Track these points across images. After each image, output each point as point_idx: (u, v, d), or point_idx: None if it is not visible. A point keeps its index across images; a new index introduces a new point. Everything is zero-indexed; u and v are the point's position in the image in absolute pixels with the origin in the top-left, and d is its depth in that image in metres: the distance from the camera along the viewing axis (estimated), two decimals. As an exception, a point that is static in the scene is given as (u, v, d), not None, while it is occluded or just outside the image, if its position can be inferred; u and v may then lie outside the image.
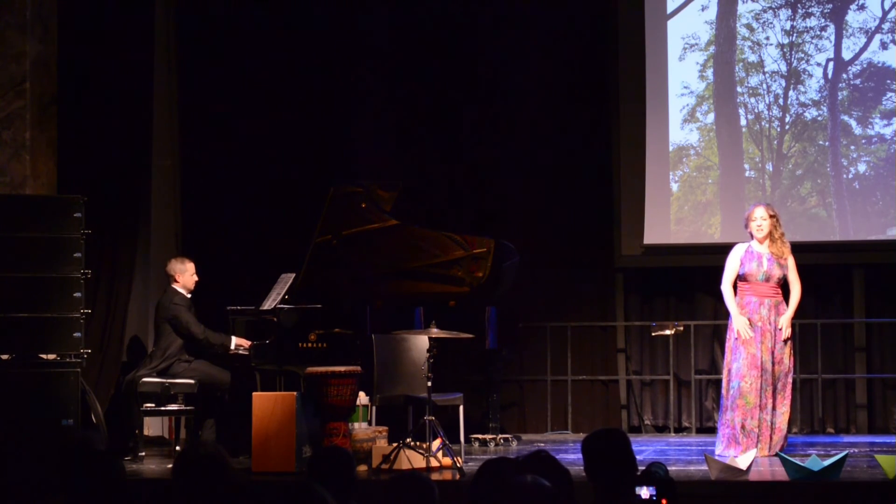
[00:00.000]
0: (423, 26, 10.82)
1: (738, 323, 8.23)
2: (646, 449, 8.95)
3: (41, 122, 9.20)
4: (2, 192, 8.89)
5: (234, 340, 8.78)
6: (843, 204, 10.34)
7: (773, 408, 8.20)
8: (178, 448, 9.00)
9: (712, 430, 9.58)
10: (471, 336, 8.13)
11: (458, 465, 7.57)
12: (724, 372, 8.37)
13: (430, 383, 7.73)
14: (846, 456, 6.98)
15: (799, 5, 10.42)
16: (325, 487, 3.72)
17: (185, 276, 9.01)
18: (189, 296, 9.00)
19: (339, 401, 7.77)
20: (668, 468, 4.81)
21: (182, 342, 8.87)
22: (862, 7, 10.33)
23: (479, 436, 9.39)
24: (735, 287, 8.37)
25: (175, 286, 8.98)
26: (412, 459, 7.62)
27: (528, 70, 10.69)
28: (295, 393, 7.87)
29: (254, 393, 8.06)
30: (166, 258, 9.33)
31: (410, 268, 9.04)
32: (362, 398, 8.36)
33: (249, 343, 8.69)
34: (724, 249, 8.59)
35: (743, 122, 10.54)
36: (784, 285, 8.39)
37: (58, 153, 9.31)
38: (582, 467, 4.52)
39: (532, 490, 3.70)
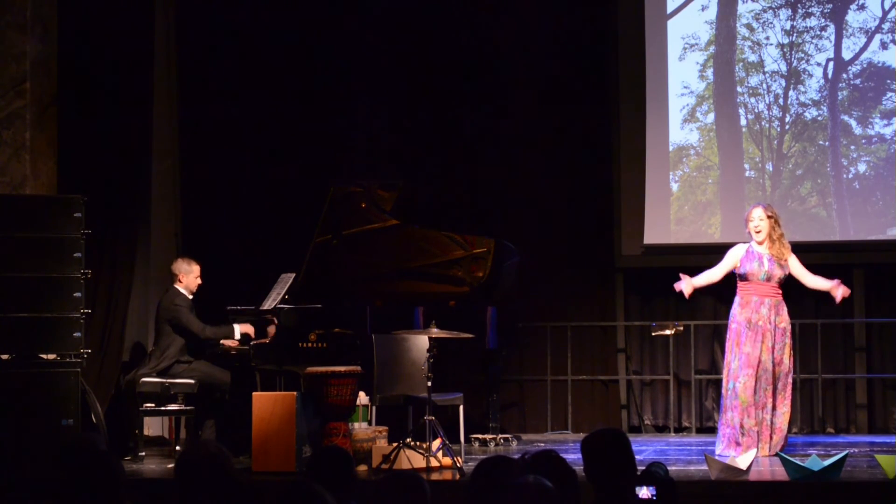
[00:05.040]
0: (423, 26, 10.82)
1: (686, 282, 8.37)
2: (646, 449, 8.95)
3: (41, 122, 9.20)
4: (2, 192, 8.89)
5: (238, 328, 8.79)
6: (843, 204, 10.34)
7: (774, 408, 8.20)
8: (178, 448, 9.00)
9: (712, 430, 9.58)
10: (471, 336, 8.13)
11: (458, 465, 7.57)
12: (724, 372, 8.38)
13: (430, 383, 7.73)
14: (846, 456, 6.98)
15: (799, 5, 10.42)
16: (325, 487, 3.72)
17: (189, 277, 9.01)
18: (191, 297, 9.00)
19: (339, 401, 7.78)
20: (668, 468, 4.80)
21: (182, 342, 8.87)
22: (862, 7, 10.34)
23: (479, 436, 9.39)
24: (736, 286, 8.39)
25: (178, 286, 8.98)
26: (412, 459, 7.62)
27: (528, 69, 10.69)
28: (295, 393, 7.88)
29: (254, 393, 8.06)
30: (166, 258, 9.33)
31: (410, 268, 9.04)
32: (362, 398, 8.37)
33: (253, 329, 8.72)
34: (724, 249, 8.59)
35: (743, 122, 10.54)
36: (784, 286, 8.39)
37: (58, 153, 9.31)
38: (582, 467, 4.52)
39: (533, 490, 3.70)
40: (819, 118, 10.41)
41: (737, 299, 8.37)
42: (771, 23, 10.47)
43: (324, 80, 10.78)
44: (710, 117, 10.65)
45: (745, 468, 6.93)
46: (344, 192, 8.82)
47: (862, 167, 10.47)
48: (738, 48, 10.53)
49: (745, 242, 8.47)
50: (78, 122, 9.41)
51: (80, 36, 9.45)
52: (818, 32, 10.40)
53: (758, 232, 8.32)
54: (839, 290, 8.41)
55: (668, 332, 10.12)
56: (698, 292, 10.42)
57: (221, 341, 8.81)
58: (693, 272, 10.39)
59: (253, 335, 8.76)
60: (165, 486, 7.09)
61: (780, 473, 7.13)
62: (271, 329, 8.72)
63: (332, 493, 3.70)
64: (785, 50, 10.44)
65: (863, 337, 10.29)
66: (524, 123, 10.68)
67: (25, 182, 9.06)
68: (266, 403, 7.85)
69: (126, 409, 8.87)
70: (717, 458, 7.41)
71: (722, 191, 10.60)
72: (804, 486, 6.80)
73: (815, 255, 9.78)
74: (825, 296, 10.25)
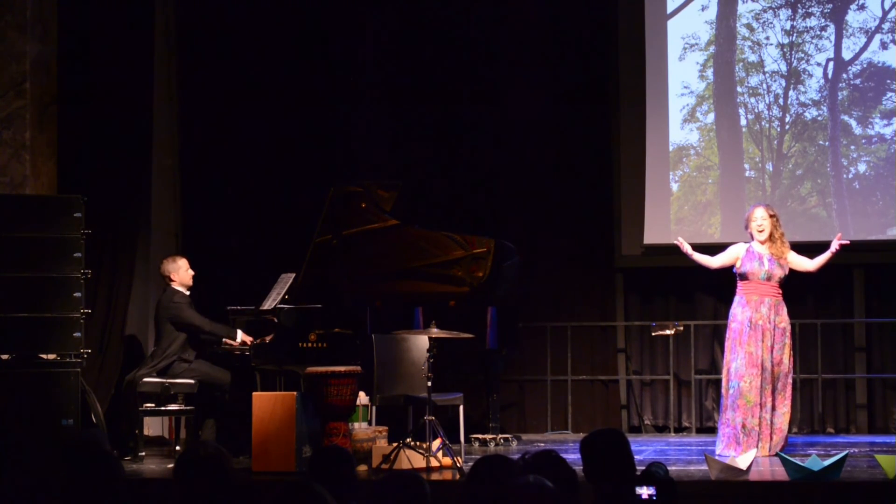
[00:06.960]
0: (424, 25, 10.83)
1: (686, 245, 8.36)
2: (646, 449, 8.95)
3: (41, 122, 9.21)
4: (2, 192, 8.90)
5: (241, 334, 8.79)
6: (843, 204, 10.34)
7: (773, 408, 8.20)
8: (178, 448, 9.00)
9: (712, 430, 9.58)
10: (471, 336, 8.13)
11: (458, 465, 7.57)
12: (724, 371, 8.38)
13: (430, 383, 7.73)
14: (846, 456, 6.98)
15: (799, 5, 10.42)
16: (325, 487, 3.72)
17: (180, 273, 9.00)
18: (188, 293, 8.99)
19: (339, 401, 7.77)
20: (668, 468, 4.80)
21: (183, 341, 8.85)
22: (862, 7, 10.34)
23: (479, 436, 9.39)
24: (736, 286, 8.39)
25: (173, 285, 8.98)
26: (412, 459, 7.62)
27: (529, 69, 10.69)
28: (295, 393, 7.87)
29: (254, 393, 8.06)
30: (166, 258, 9.32)
31: (410, 268, 9.04)
32: (362, 398, 8.36)
33: (251, 339, 8.71)
34: (723, 249, 8.59)
35: (743, 122, 10.54)
36: (784, 286, 8.39)
37: (58, 153, 9.32)
38: (581, 467, 4.52)
39: (533, 490, 3.69)
40: (819, 118, 10.41)
41: (737, 299, 8.36)
42: (771, 23, 10.47)
43: (324, 79, 10.77)
44: (710, 117, 10.65)
45: (745, 468, 6.93)
46: (344, 192, 8.82)
47: (862, 167, 10.47)
48: (738, 48, 10.53)
49: (745, 242, 8.47)
50: (78, 122, 9.42)
51: (80, 36, 9.46)
52: (818, 32, 10.40)
53: (761, 231, 8.32)
54: (838, 244, 8.34)
55: (668, 332, 10.13)
56: (698, 292, 10.48)
57: (225, 340, 8.80)
58: (693, 272, 10.42)
59: (249, 349, 8.72)
60: (165, 486, 7.09)
61: (780, 473, 7.13)
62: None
63: (332, 493, 3.70)
64: (785, 50, 10.44)
65: (863, 337, 10.28)
66: (524, 123, 10.68)
67: (25, 182, 9.06)
68: (266, 403, 7.85)
69: (126, 409, 8.87)
70: (717, 458, 7.41)
71: (722, 191, 10.60)
72: (804, 486, 6.80)
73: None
74: (825, 296, 10.30)
